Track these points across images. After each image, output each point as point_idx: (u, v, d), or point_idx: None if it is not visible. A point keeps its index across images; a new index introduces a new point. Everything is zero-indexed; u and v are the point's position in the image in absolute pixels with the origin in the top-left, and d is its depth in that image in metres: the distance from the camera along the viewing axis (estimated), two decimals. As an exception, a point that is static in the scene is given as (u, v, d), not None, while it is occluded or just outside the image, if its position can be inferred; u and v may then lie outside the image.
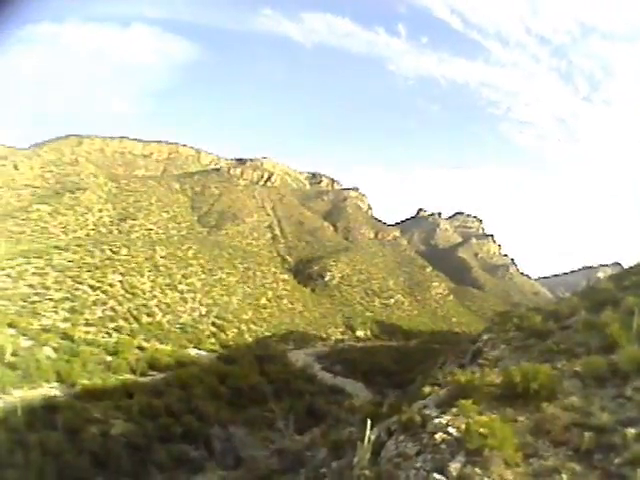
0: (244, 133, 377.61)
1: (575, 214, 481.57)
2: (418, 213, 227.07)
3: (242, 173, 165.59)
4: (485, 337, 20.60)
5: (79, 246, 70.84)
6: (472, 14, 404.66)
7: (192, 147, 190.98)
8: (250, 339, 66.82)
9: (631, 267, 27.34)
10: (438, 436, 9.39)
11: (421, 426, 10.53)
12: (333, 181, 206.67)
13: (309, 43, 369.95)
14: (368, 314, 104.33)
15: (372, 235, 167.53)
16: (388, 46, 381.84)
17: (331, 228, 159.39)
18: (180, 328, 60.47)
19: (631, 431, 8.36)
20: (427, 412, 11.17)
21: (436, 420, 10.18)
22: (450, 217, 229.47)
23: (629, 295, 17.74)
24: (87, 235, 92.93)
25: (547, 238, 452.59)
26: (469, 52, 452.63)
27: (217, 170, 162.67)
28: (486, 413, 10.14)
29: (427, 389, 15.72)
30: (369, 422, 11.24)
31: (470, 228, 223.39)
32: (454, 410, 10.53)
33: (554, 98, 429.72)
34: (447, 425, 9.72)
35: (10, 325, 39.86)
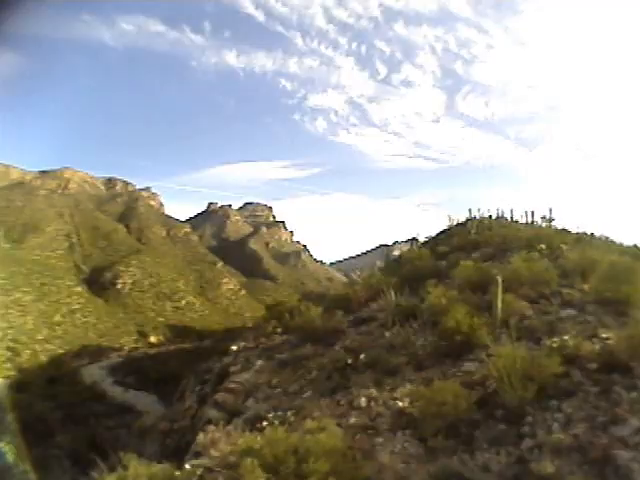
0: (55, 144, 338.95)
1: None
2: (209, 207, 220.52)
3: (43, 184, 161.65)
4: (235, 347, 12.86)
5: None
6: (276, 6, 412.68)
7: (2, 163, 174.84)
8: (45, 359, 67.05)
9: (439, 234, 23.51)
10: None
11: None
12: (127, 183, 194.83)
13: (120, 46, 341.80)
14: (160, 319, 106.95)
15: (164, 233, 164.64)
16: (192, 43, 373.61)
17: (124, 230, 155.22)
18: (-23, 357, 60.00)
19: None
20: None
21: None
22: (240, 208, 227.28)
23: (461, 260, 11.69)
24: None
25: (344, 223, 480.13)
26: (270, 44, 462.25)
27: (21, 183, 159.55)
28: None
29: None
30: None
31: (260, 217, 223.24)
32: None
33: (351, 83, 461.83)
34: None
35: None
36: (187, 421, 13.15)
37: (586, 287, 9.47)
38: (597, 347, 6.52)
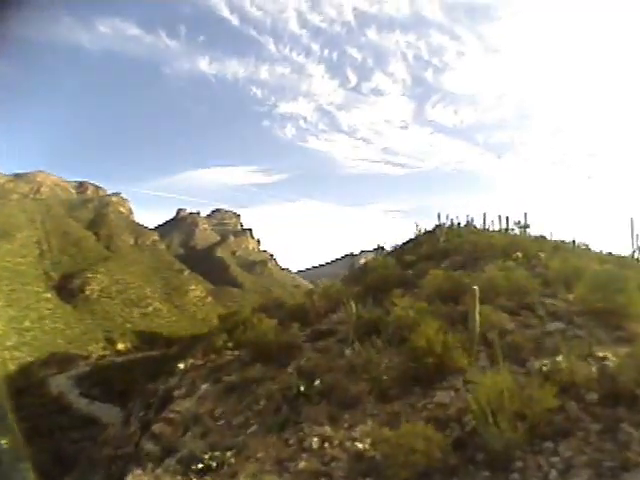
0: (30, 146, 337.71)
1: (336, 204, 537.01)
2: (178, 214, 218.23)
3: (16, 187, 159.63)
4: (182, 365, 11.47)
5: None
6: (251, 11, 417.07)
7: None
8: (13, 367, 67.51)
9: (407, 242, 22.64)
10: None
11: None
12: (98, 188, 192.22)
13: (97, 49, 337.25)
14: (128, 325, 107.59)
15: (132, 241, 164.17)
16: (167, 48, 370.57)
17: (94, 238, 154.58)
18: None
19: None
20: None
21: None
22: (209, 215, 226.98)
23: (430, 269, 10.68)
24: None
25: (312, 231, 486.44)
26: (243, 49, 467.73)
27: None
28: None
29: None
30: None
31: (228, 224, 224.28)
32: None
33: (321, 91, 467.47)
34: None
35: None
36: (131, 448, 11.77)
37: (571, 297, 8.54)
38: (594, 370, 5.49)
